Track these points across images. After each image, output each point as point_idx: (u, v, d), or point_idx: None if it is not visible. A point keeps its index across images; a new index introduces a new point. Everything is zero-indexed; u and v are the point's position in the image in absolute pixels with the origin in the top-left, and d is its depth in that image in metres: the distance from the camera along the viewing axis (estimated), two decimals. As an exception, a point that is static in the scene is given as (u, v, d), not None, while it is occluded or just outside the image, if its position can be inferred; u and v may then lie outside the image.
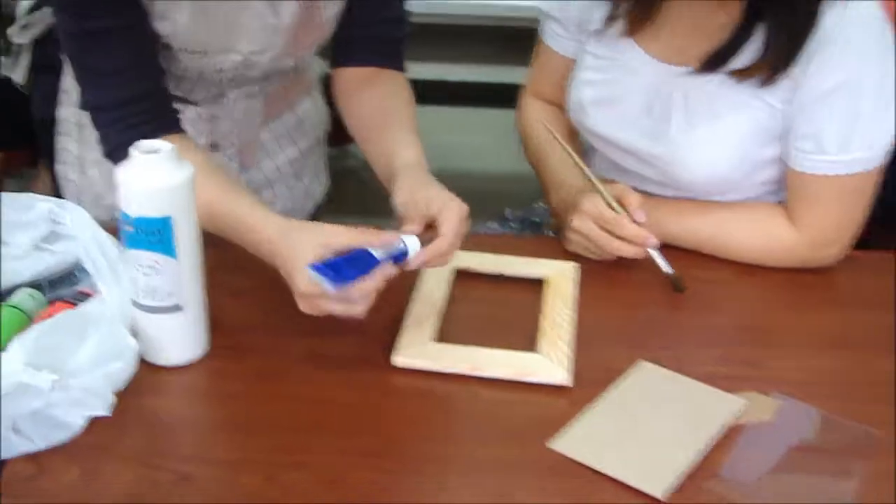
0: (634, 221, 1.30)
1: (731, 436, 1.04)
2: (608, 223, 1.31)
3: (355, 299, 1.10)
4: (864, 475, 1.00)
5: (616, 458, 1.00)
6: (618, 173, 1.48)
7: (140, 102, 1.28)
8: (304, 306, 1.12)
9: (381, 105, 1.44)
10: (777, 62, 1.29)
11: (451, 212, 1.16)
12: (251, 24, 1.37)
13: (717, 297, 1.33)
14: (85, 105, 1.34)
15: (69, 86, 1.53)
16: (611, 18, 1.43)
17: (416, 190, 1.22)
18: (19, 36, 1.59)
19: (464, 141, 4.05)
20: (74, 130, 1.56)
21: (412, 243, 1.13)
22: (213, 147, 1.54)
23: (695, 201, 1.42)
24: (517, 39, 2.57)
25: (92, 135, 1.46)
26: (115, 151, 1.27)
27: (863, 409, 1.09)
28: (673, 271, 1.31)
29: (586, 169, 1.36)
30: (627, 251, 1.31)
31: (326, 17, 1.43)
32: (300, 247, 1.10)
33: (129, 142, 1.10)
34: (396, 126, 1.39)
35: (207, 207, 1.15)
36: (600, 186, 1.32)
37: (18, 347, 0.97)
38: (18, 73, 1.62)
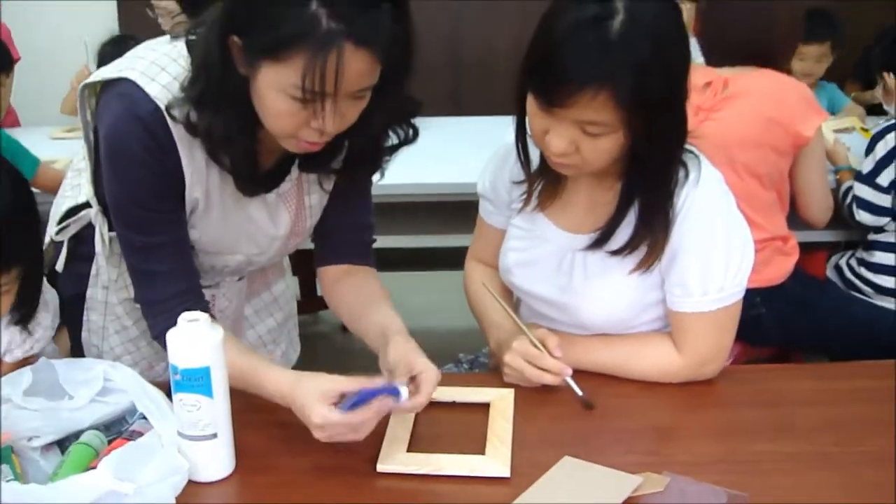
0: (553, 357, 1.64)
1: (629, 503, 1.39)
2: (533, 358, 1.64)
3: (358, 426, 1.42)
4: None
5: (546, 525, 1.35)
6: (539, 318, 1.81)
7: (182, 297, 1.60)
8: (319, 435, 1.43)
9: (361, 292, 1.78)
10: (652, 243, 1.63)
11: (429, 377, 1.51)
12: (255, 233, 1.71)
13: (624, 406, 1.66)
14: (137, 299, 1.66)
15: (97, 271, 1.80)
16: (527, 198, 1.76)
17: (405, 354, 1.55)
18: (59, 235, 1.82)
19: (425, 300, 4.38)
20: (101, 306, 1.84)
21: (403, 389, 1.48)
22: (213, 320, 1.86)
23: (601, 337, 1.74)
24: (461, 211, 2.94)
25: (114, 311, 1.81)
26: (161, 336, 1.53)
27: (738, 480, 1.41)
28: (583, 394, 1.63)
29: (515, 317, 1.72)
30: (548, 380, 1.64)
31: (307, 227, 1.78)
32: (311, 391, 1.44)
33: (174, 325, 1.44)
34: (380, 305, 1.73)
35: (232, 367, 1.47)
36: (526, 330, 1.67)
37: (105, 466, 1.31)
38: (59, 263, 1.86)
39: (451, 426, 1.61)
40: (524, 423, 1.60)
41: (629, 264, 1.68)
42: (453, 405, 1.67)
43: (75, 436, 1.51)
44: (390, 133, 1.63)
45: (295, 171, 1.70)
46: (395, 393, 1.46)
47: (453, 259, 2.42)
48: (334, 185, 1.76)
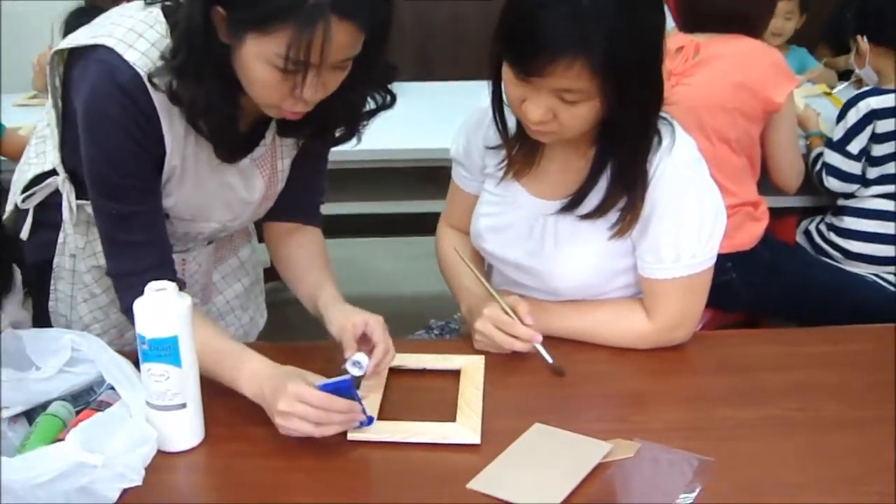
0: (524, 324, 1.65)
1: (600, 469, 1.39)
2: (504, 325, 1.65)
3: (329, 413, 1.41)
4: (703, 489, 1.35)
5: (516, 490, 1.34)
6: (510, 285, 1.82)
7: (155, 270, 1.57)
8: (280, 420, 1.42)
9: (305, 252, 1.81)
10: (627, 210, 1.64)
11: (375, 325, 1.56)
12: (230, 199, 1.71)
13: (595, 373, 1.67)
14: (110, 272, 1.65)
15: (64, 239, 1.78)
16: (508, 164, 1.76)
17: (343, 318, 1.60)
18: (24, 203, 1.80)
19: (395, 267, 4.38)
20: (68, 275, 1.81)
21: (362, 358, 1.52)
22: (181, 284, 1.80)
23: (572, 304, 1.75)
24: (431, 177, 2.94)
25: (82, 279, 1.80)
26: (131, 309, 1.51)
27: (705, 446, 1.43)
28: (553, 361, 1.64)
29: (486, 283, 1.72)
30: (519, 346, 1.65)
31: (278, 191, 1.79)
32: (286, 378, 1.45)
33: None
34: (315, 270, 1.77)
35: (206, 348, 1.49)
36: (497, 296, 1.68)
37: (73, 437, 1.30)
38: (25, 231, 1.83)
39: (422, 394, 1.61)
40: (495, 390, 1.60)
41: (600, 230, 1.68)
42: (423, 372, 1.67)
43: (43, 407, 1.51)
44: (368, 98, 1.64)
45: (269, 135, 1.71)
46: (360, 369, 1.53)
47: (424, 225, 2.42)
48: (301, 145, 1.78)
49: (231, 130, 1.59)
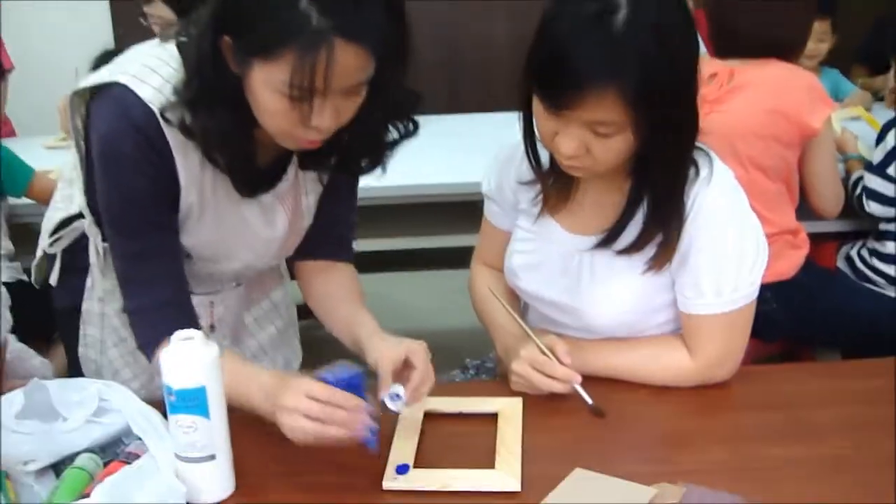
0: (562, 363, 1.60)
1: (645, 518, 1.34)
2: (541, 366, 1.60)
3: (339, 411, 1.38)
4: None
5: (559, 541, 1.30)
6: (546, 323, 1.78)
7: (171, 305, 1.57)
8: (285, 419, 1.39)
9: (335, 289, 1.77)
10: (664, 245, 1.59)
11: (418, 350, 1.51)
12: (252, 237, 1.68)
13: (635, 413, 1.61)
14: (125, 308, 1.62)
15: (92, 283, 1.78)
16: (543, 200, 1.72)
17: (385, 349, 1.54)
18: (52, 248, 1.81)
19: (427, 302, 4.34)
20: (97, 319, 1.81)
21: (400, 390, 1.48)
22: (212, 328, 1.83)
23: (610, 341, 1.69)
24: (462, 211, 2.90)
25: (111, 322, 1.78)
26: (147, 346, 1.56)
27: (753, 487, 1.38)
28: (592, 402, 1.59)
29: (522, 322, 1.68)
30: (558, 388, 1.60)
31: (304, 227, 1.76)
32: (293, 377, 1.44)
33: (161, 338, 1.43)
34: (350, 304, 1.72)
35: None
36: (533, 336, 1.63)
37: (99, 494, 1.26)
38: (53, 276, 1.84)
39: (459, 439, 1.57)
40: (534, 433, 1.55)
41: (637, 265, 1.64)
42: (460, 416, 1.62)
43: (70, 459, 1.47)
44: (390, 128, 1.61)
45: (292, 170, 1.68)
46: (396, 400, 1.48)
47: (455, 259, 2.39)
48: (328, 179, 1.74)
49: (248, 163, 1.57)
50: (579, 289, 1.69)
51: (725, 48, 2.71)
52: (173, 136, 1.50)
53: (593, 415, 1.59)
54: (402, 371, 1.51)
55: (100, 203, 1.59)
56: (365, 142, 1.59)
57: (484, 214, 1.91)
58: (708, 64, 2.67)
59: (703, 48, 2.77)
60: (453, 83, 4.79)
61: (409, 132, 1.62)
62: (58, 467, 1.47)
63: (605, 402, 1.61)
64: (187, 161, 1.54)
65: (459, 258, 2.12)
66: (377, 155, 1.64)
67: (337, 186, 1.76)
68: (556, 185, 1.70)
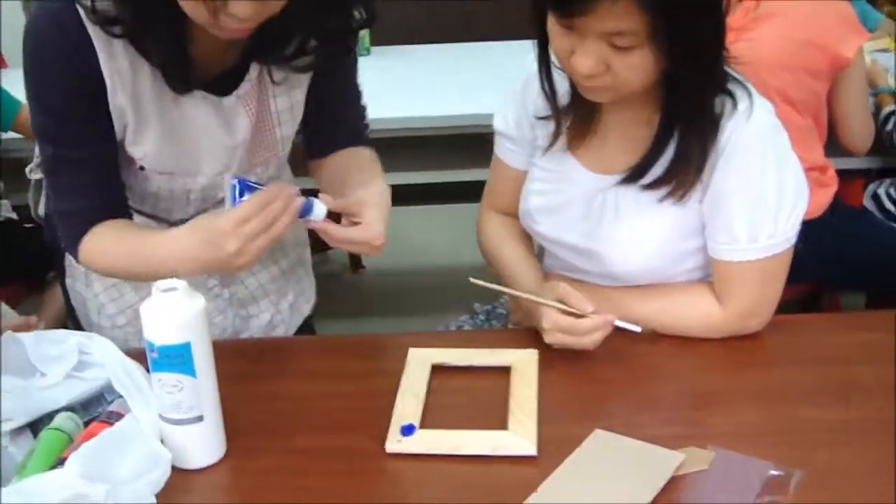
0: (586, 314, 1.46)
1: (673, 483, 1.23)
2: (571, 329, 1.47)
3: (274, 217, 1.33)
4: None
5: (579, 513, 1.19)
6: (566, 269, 1.66)
7: (105, 211, 1.51)
8: (241, 260, 1.34)
9: (345, 161, 1.67)
10: (685, 176, 1.47)
11: (364, 207, 1.43)
12: (211, 146, 1.55)
13: (660, 368, 1.50)
14: (50, 209, 1.56)
15: None
16: (554, 136, 1.60)
17: (361, 198, 1.46)
18: (35, 172, 1.74)
19: (438, 236, 4.25)
20: None
21: (320, 207, 1.41)
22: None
23: (634, 289, 1.58)
24: (474, 144, 2.79)
25: None
26: (71, 247, 1.53)
27: (789, 453, 1.26)
28: (641, 328, 1.48)
29: (529, 296, 1.53)
30: (598, 338, 1.47)
31: (280, 136, 1.62)
32: (219, 222, 1.34)
33: (83, 234, 1.48)
34: (358, 169, 1.63)
35: (126, 254, 1.49)
36: (544, 301, 1.49)
37: (73, 463, 1.15)
38: (40, 206, 1.77)
39: (469, 395, 1.45)
40: (549, 389, 1.43)
41: (665, 206, 1.51)
42: (470, 370, 1.50)
43: (49, 417, 1.36)
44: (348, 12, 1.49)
45: (254, 70, 1.55)
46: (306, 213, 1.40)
47: (468, 194, 2.29)
48: (312, 82, 1.61)
49: (179, 56, 1.44)
50: (602, 232, 1.57)
51: None
52: (95, 32, 1.40)
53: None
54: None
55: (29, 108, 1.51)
56: (318, 29, 1.47)
57: (495, 154, 1.77)
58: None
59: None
60: (464, 10, 4.60)
61: (365, 20, 1.51)
62: (35, 426, 1.36)
63: (629, 354, 1.50)
64: (113, 58, 1.43)
65: (472, 192, 1.99)
66: (340, 42, 1.53)
67: (329, 76, 1.63)
68: (577, 118, 1.58)
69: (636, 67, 1.37)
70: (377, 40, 3.73)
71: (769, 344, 1.56)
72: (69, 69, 1.42)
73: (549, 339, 1.50)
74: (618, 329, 1.48)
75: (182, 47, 1.43)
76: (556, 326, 1.48)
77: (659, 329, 1.57)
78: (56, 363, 1.40)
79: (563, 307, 1.47)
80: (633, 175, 1.51)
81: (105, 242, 1.52)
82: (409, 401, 1.40)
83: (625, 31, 1.33)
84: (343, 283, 4.14)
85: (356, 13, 1.50)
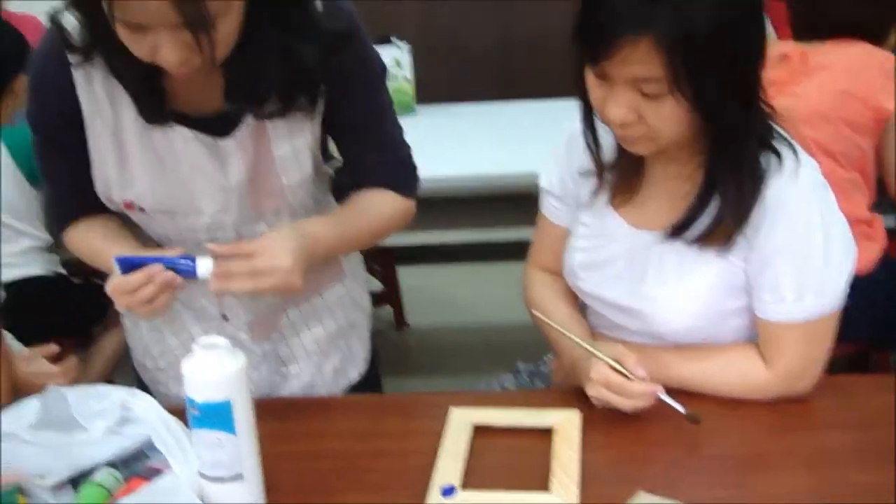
0: (636, 377, 1.44)
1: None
2: (618, 388, 1.45)
3: (131, 292, 1.42)
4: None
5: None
6: (609, 327, 1.64)
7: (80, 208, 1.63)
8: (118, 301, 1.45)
9: (344, 204, 1.68)
10: (727, 232, 1.45)
11: (268, 254, 1.43)
12: (205, 185, 1.55)
13: (705, 428, 1.46)
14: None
15: None
16: (597, 189, 1.60)
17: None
18: None
19: (480, 294, 4.24)
20: None
21: (202, 262, 1.43)
22: (224, 317, 1.69)
23: (679, 349, 1.55)
24: (518, 202, 2.79)
25: None
26: (59, 232, 1.67)
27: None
28: (685, 409, 1.45)
29: (584, 343, 1.51)
30: (640, 405, 1.45)
31: (286, 184, 1.59)
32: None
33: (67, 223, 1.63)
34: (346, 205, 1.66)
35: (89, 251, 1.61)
36: (600, 354, 1.47)
37: (112, 520, 1.15)
38: None
39: (511, 456, 1.43)
40: (592, 450, 1.41)
41: (709, 263, 1.50)
42: (512, 430, 1.49)
43: (89, 472, 1.36)
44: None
45: (251, 117, 1.54)
46: (186, 267, 1.44)
47: (513, 252, 2.27)
48: (330, 128, 1.62)
49: (146, 83, 1.46)
50: (645, 290, 1.55)
51: (810, 28, 2.53)
52: (77, 63, 1.47)
53: (689, 422, 1.45)
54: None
55: None
56: (285, 73, 1.46)
57: (540, 212, 1.77)
58: (777, 45, 2.50)
59: (770, 30, 2.61)
60: (509, 68, 4.63)
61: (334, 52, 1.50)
62: (76, 481, 1.36)
63: (671, 415, 1.46)
64: (91, 87, 1.50)
65: (518, 251, 1.98)
66: (303, 84, 1.50)
67: (342, 123, 1.62)
68: (621, 175, 1.58)
69: (666, 117, 1.38)
70: (422, 98, 3.76)
71: (817, 406, 1.53)
72: (48, 93, 1.52)
73: (591, 391, 1.48)
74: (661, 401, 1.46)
75: (150, 76, 1.44)
76: (604, 381, 1.46)
77: (703, 390, 1.54)
78: (99, 418, 1.41)
79: (615, 365, 1.46)
80: (676, 232, 1.50)
81: (80, 237, 1.65)
82: (450, 461, 1.39)
83: (649, 78, 1.34)
84: (387, 340, 4.14)
85: (313, 61, 1.47)
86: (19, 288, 2.53)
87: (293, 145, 1.56)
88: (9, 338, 1.91)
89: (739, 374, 1.53)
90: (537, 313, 1.62)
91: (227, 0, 1.30)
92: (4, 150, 2.74)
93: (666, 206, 1.53)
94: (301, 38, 1.43)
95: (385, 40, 3.66)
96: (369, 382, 1.89)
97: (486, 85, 4.23)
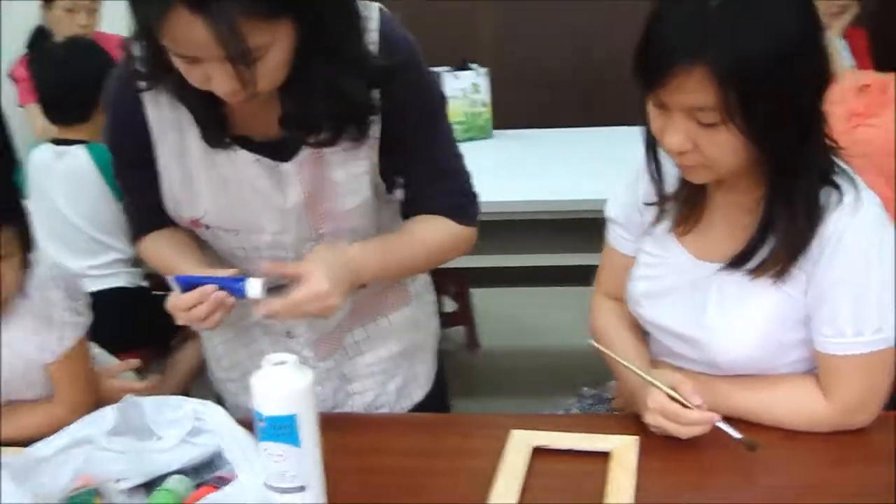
0: (693, 405, 1.46)
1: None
2: (674, 416, 1.47)
3: (189, 310, 1.50)
4: None
5: None
6: (669, 355, 1.66)
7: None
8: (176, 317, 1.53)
9: (403, 227, 1.72)
10: (783, 264, 1.47)
11: (309, 281, 1.49)
12: (265, 206, 1.61)
13: (761, 458, 1.47)
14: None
15: None
16: (657, 216, 1.63)
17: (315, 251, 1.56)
18: None
19: (552, 319, 4.25)
20: None
21: (252, 283, 1.50)
22: (289, 334, 1.76)
23: (738, 379, 1.56)
24: (594, 227, 2.81)
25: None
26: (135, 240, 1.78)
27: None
28: (742, 436, 1.46)
29: (641, 372, 1.54)
30: (697, 432, 1.47)
31: (345, 208, 1.63)
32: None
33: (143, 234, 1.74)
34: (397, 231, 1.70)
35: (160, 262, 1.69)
36: (657, 384, 1.49)
37: (181, 525, 1.21)
38: None
39: (567, 479, 1.46)
40: (648, 477, 1.43)
41: (768, 295, 1.51)
42: (570, 453, 1.52)
43: (162, 478, 1.43)
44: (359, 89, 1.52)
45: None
46: (237, 288, 1.51)
47: (582, 275, 2.32)
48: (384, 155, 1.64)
49: (207, 108, 1.52)
50: (704, 320, 1.57)
51: (890, 57, 2.51)
52: (147, 93, 1.56)
53: (746, 449, 1.46)
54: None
55: None
56: (326, 105, 1.49)
57: (606, 241, 1.80)
58: (857, 76, 2.48)
59: (850, 60, 2.59)
60: (584, 94, 4.65)
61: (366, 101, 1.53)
62: (150, 486, 1.44)
63: (729, 444, 1.47)
64: (159, 111, 1.58)
65: (587, 275, 2.01)
66: (351, 116, 1.54)
67: (398, 150, 1.63)
68: (683, 205, 1.60)
69: (722, 146, 1.40)
70: (499, 124, 3.80)
71: (876, 439, 1.52)
72: (120, 116, 1.62)
73: (649, 418, 1.50)
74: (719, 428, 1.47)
75: (211, 102, 1.49)
76: (661, 409, 1.48)
77: (761, 421, 1.54)
78: (172, 427, 1.48)
79: (672, 393, 1.48)
80: (736, 263, 1.51)
81: (152, 249, 1.74)
82: (508, 482, 1.42)
83: (703, 107, 1.36)
84: (458, 361, 4.19)
85: (360, 95, 1.51)
86: (103, 299, 2.63)
87: (350, 171, 1.60)
88: (100, 352, 2.00)
89: (798, 405, 1.53)
90: (595, 343, 1.63)
91: (271, 35, 1.34)
92: (94, 166, 2.85)
93: (727, 237, 1.55)
94: (348, 74, 1.47)
95: (463, 66, 3.72)
96: (434, 402, 1.92)
97: (564, 110, 4.27)
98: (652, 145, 1.56)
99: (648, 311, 1.66)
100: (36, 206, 2.99)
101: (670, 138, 1.42)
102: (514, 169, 3.43)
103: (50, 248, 2.90)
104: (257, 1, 1.29)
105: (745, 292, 1.52)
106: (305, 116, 1.50)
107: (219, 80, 1.37)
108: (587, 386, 2.00)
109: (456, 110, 3.67)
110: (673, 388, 1.48)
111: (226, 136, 1.56)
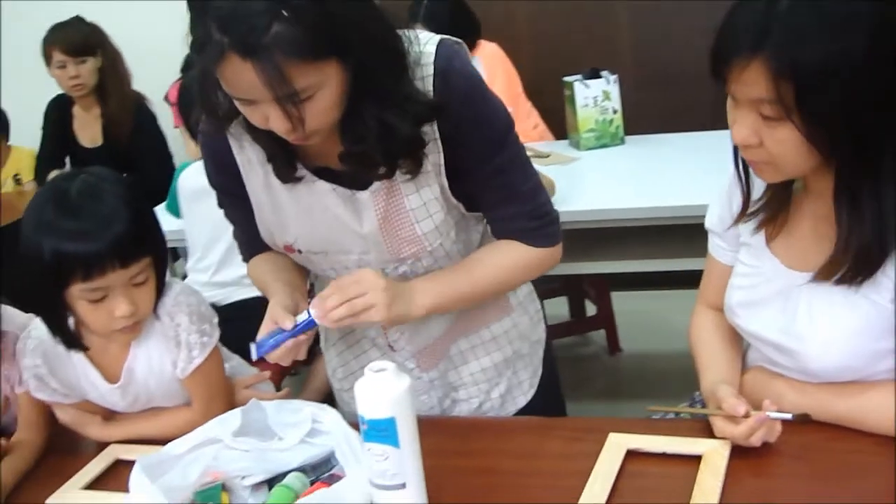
0: (743, 417, 1.51)
1: None
2: (731, 437, 1.54)
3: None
4: None
5: None
6: (766, 363, 1.69)
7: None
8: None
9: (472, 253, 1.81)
10: (863, 270, 1.48)
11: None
12: (346, 231, 1.71)
13: (853, 464, 1.50)
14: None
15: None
16: (738, 216, 1.67)
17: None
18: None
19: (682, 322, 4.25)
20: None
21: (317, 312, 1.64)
22: (392, 347, 1.88)
23: (833, 386, 1.58)
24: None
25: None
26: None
27: None
28: (793, 415, 1.52)
29: (679, 407, 1.63)
30: (761, 436, 1.52)
31: (421, 232, 1.71)
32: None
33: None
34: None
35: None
36: (701, 412, 1.58)
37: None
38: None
39: (657, 481, 1.53)
40: (737, 481, 1.48)
41: (859, 304, 1.53)
42: (663, 456, 1.58)
43: (283, 475, 1.56)
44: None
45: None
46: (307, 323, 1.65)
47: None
48: (460, 184, 1.71)
49: (275, 148, 1.64)
50: (797, 328, 1.59)
51: None
52: (232, 133, 1.69)
53: (799, 423, 1.52)
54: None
55: None
56: (377, 141, 1.57)
57: (708, 251, 1.84)
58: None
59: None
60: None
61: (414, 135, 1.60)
62: (272, 482, 1.57)
63: (823, 450, 1.52)
64: (243, 153, 1.72)
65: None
66: (402, 151, 1.61)
67: (466, 178, 1.71)
68: (769, 210, 1.63)
69: (784, 143, 1.42)
70: (632, 129, 3.83)
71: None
72: (213, 154, 1.79)
73: (719, 435, 1.57)
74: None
75: (277, 141, 1.59)
76: (719, 433, 1.55)
77: (859, 427, 1.57)
78: (292, 429, 1.61)
79: (718, 413, 1.54)
80: (823, 274, 1.53)
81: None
82: (600, 483, 1.50)
83: (763, 99, 1.39)
84: (600, 364, 4.24)
85: (407, 131, 1.58)
86: (242, 308, 2.78)
87: (422, 196, 1.69)
88: (241, 364, 2.15)
89: (890, 411, 1.54)
90: (650, 408, 1.74)
91: (319, 77, 1.43)
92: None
93: (814, 246, 1.57)
94: (395, 111, 1.55)
95: (595, 74, 3.77)
96: (539, 407, 2.00)
97: (696, 115, 4.26)
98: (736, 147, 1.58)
99: (744, 320, 1.70)
100: (193, 220, 3.23)
101: (737, 131, 1.46)
102: (647, 174, 3.45)
103: (210, 255, 3.14)
104: (301, 46, 1.39)
105: (832, 301, 1.55)
106: (360, 153, 1.60)
107: (274, 119, 1.48)
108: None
109: (587, 119, 3.75)
110: (719, 408, 1.54)
111: (297, 170, 1.69)
